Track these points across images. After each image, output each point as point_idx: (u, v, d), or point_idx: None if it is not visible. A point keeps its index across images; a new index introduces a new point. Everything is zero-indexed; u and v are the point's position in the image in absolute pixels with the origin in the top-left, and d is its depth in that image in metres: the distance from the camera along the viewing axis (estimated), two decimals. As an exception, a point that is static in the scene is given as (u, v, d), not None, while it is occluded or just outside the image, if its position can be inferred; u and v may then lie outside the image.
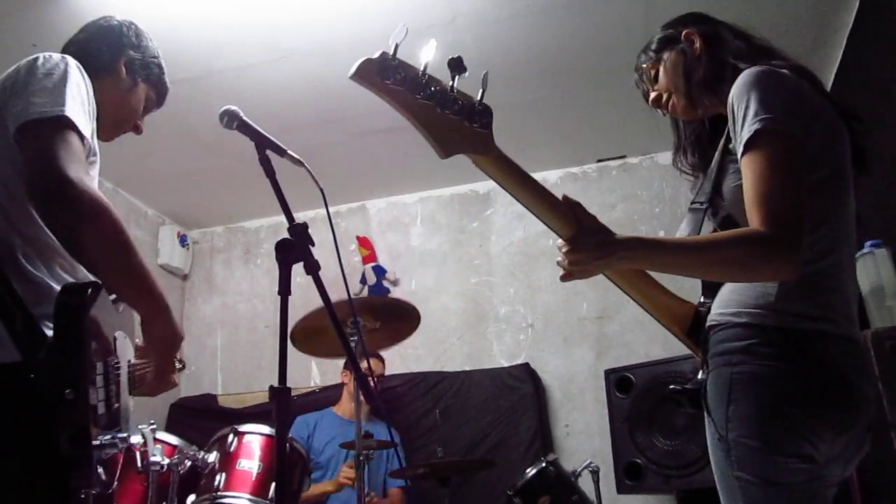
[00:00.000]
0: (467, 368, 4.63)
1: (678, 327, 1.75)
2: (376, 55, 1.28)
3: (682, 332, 1.75)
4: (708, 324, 1.63)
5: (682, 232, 1.71)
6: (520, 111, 4.21)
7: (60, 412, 1.33)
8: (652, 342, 4.39)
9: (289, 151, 1.83)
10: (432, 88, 1.31)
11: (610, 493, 3.65)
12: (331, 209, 1.89)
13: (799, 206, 1.44)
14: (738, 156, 1.51)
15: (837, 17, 3.50)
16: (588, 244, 1.48)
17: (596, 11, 3.43)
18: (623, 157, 4.82)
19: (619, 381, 3.81)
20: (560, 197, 1.54)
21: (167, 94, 2.05)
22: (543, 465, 3.40)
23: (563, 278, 1.56)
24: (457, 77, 1.35)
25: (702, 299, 1.74)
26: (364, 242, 5.04)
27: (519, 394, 4.39)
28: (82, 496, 1.36)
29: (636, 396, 3.70)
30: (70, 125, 1.51)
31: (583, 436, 4.38)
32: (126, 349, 1.72)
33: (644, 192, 4.73)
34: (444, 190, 5.12)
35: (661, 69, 1.82)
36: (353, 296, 3.16)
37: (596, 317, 4.57)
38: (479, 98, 1.36)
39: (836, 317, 1.52)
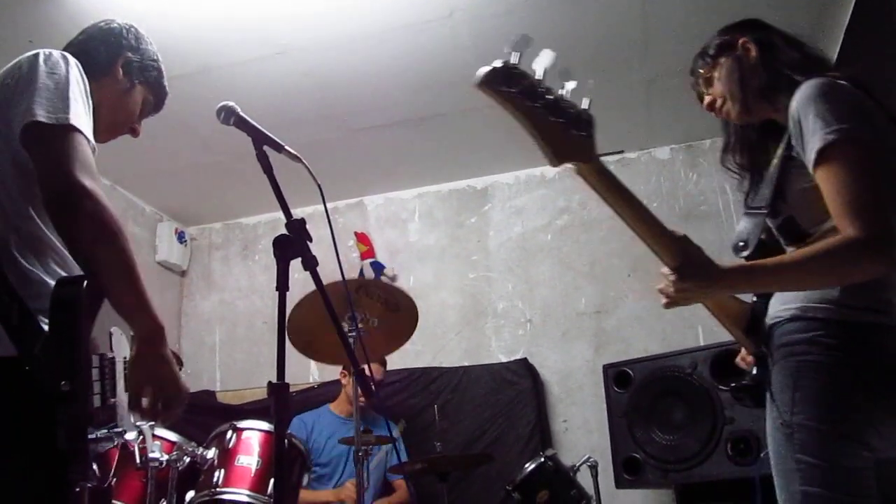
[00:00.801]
0: (466, 364, 4.63)
1: (737, 326, 1.82)
2: (499, 64, 1.30)
3: (741, 330, 1.81)
4: (773, 320, 1.71)
5: (741, 235, 1.79)
6: (517, 106, 4.20)
7: (56, 405, 1.34)
8: (650, 337, 4.40)
9: (286, 147, 1.83)
10: (548, 97, 1.34)
11: (608, 487, 3.65)
12: (328, 205, 1.89)
13: (885, 207, 1.53)
14: (810, 165, 1.59)
15: (834, 14, 3.50)
16: (696, 276, 1.58)
17: (593, 6, 3.42)
18: (621, 152, 4.81)
19: (617, 376, 3.82)
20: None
21: (166, 98, 2.04)
22: (542, 459, 3.41)
23: (667, 306, 1.66)
24: (566, 85, 1.39)
25: (754, 298, 1.82)
26: (362, 238, 5.04)
27: (517, 389, 4.39)
28: (78, 489, 1.36)
29: (634, 391, 3.71)
30: (79, 130, 1.53)
31: (581, 431, 4.39)
32: (121, 345, 1.72)
33: (642, 188, 4.73)
34: (442, 185, 5.11)
35: (716, 75, 1.89)
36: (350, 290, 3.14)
37: (594, 312, 4.58)
38: (585, 106, 1.41)
39: (892, 310, 1.61)
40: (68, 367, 1.37)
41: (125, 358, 1.74)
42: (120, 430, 1.58)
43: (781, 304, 1.69)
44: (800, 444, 1.56)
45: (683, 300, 1.62)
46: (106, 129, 1.87)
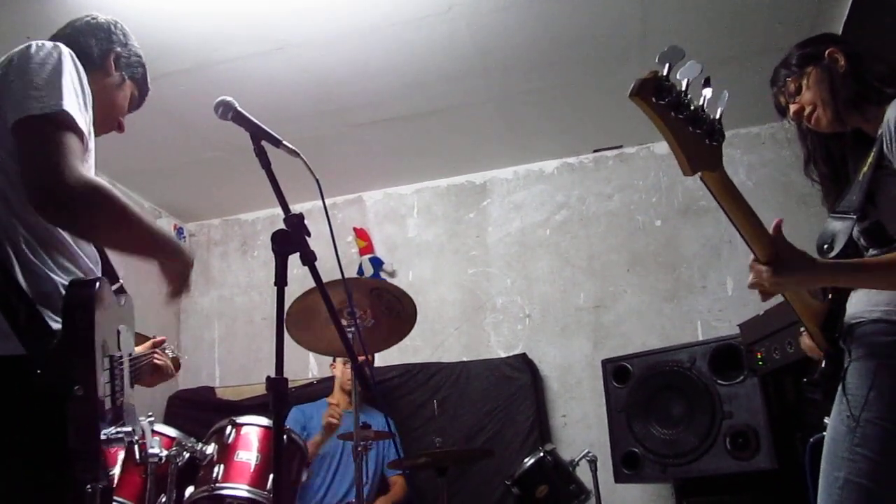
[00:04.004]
0: (465, 359, 4.63)
1: (813, 322, 1.87)
2: (650, 75, 1.32)
3: (817, 326, 1.87)
4: (854, 320, 1.77)
5: (826, 236, 1.83)
6: (516, 101, 4.21)
7: (69, 408, 1.33)
8: (648, 332, 4.40)
9: (284, 142, 1.82)
10: (691, 108, 1.37)
11: (607, 482, 3.66)
12: (327, 200, 1.88)
13: None
14: None
15: (833, 8, 3.49)
16: (792, 269, 1.62)
17: (592, 1, 3.42)
18: (620, 147, 4.82)
19: (616, 371, 3.83)
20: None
21: (147, 95, 2.03)
22: (541, 454, 3.42)
23: (764, 297, 1.73)
24: (706, 93, 1.41)
25: (830, 296, 1.88)
26: (361, 234, 5.04)
27: (516, 384, 4.39)
28: (89, 489, 1.36)
29: (633, 386, 3.72)
30: (67, 122, 1.49)
31: (580, 425, 4.39)
32: (128, 342, 1.73)
33: (641, 182, 4.73)
34: (441, 181, 5.11)
35: (804, 84, 1.93)
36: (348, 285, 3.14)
37: (593, 307, 4.58)
38: (718, 116, 1.42)
39: None
40: (82, 372, 1.37)
41: (130, 354, 1.75)
42: (129, 429, 1.59)
43: (866, 305, 1.75)
44: (861, 437, 1.64)
45: (776, 290, 1.68)
46: (97, 123, 1.86)
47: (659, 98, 1.32)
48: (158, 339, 2.24)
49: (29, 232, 1.52)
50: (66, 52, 1.61)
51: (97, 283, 1.47)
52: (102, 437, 1.41)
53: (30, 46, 1.59)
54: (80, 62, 1.65)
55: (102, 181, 1.51)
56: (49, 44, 1.61)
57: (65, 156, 1.46)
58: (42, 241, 1.54)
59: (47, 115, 1.48)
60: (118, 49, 1.88)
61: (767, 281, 1.64)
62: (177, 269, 1.83)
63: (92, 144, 1.68)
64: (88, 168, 1.61)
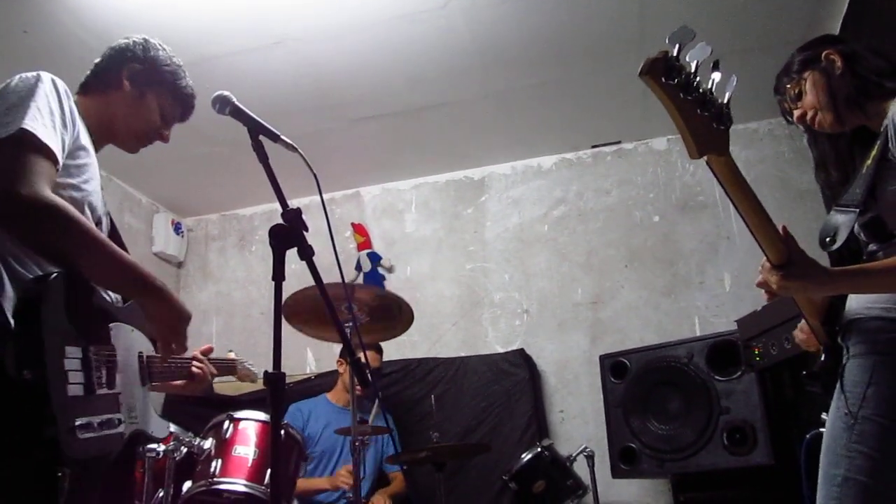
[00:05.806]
0: (462, 354, 4.64)
1: (814, 316, 1.88)
2: (661, 55, 1.30)
3: (818, 320, 1.87)
4: (854, 316, 1.78)
5: (828, 229, 1.84)
6: (514, 97, 4.20)
7: (21, 393, 1.37)
8: (646, 327, 4.41)
9: (282, 137, 1.82)
10: (699, 90, 1.36)
11: (605, 477, 3.67)
12: (325, 196, 1.88)
13: None
14: None
15: (831, 5, 3.49)
16: (803, 277, 1.60)
17: (590, -4, 3.42)
18: (618, 142, 4.82)
19: (613, 367, 3.83)
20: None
21: (190, 99, 2.04)
22: (539, 450, 3.42)
23: (770, 299, 1.75)
24: (714, 77, 1.40)
25: None
26: (359, 229, 5.04)
27: (514, 379, 4.40)
28: (59, 474, 1.40)
29: (631, 381, 3.73)
30: (27, 140, 1.52)
31: (578, 421, 4.40)
32: (129, 340, 1.76)
33: (639, 178, 4.73)
34: (439, 176, 5.11)
35: (804, 88, 1.94)
36: (347, 282, 3.13)
37: (591, 302, 4.58)
38: (726, 101, 1.41)
39: None
40: (31, 357, 1.40)
41: (140, 353, 1.77)
42: (118, 416, 1.60)
43: (864, 302, 1.76)
44: (859, 434, 1.65)
45: (784, 294, 1.68)
46: (130, 139, 1.95)
47: (668, 78, 1.31)
48: (206, 347, 2.31)
49: (15, 242, 1.55)
50: (46, 77, 1.65)
51: (54, 276, 1.50)
52: (79, 422, 1.44)
53: (14, 78, 1.63)
54: (98, 86, 1.80)
55: (64, 202, 1.53)
56: (32, 74, 1.64)
57: (21, 171, 1.49)
58: (30, 251, 1.57)
59: (7, 138, 1.51)
60: (133, 65, 1.92)
61: (776, 284, 1.63)
62: (162, 314, 1.71)
63: (91, 159, 1.74)
64: (76, 187, 1.65)
